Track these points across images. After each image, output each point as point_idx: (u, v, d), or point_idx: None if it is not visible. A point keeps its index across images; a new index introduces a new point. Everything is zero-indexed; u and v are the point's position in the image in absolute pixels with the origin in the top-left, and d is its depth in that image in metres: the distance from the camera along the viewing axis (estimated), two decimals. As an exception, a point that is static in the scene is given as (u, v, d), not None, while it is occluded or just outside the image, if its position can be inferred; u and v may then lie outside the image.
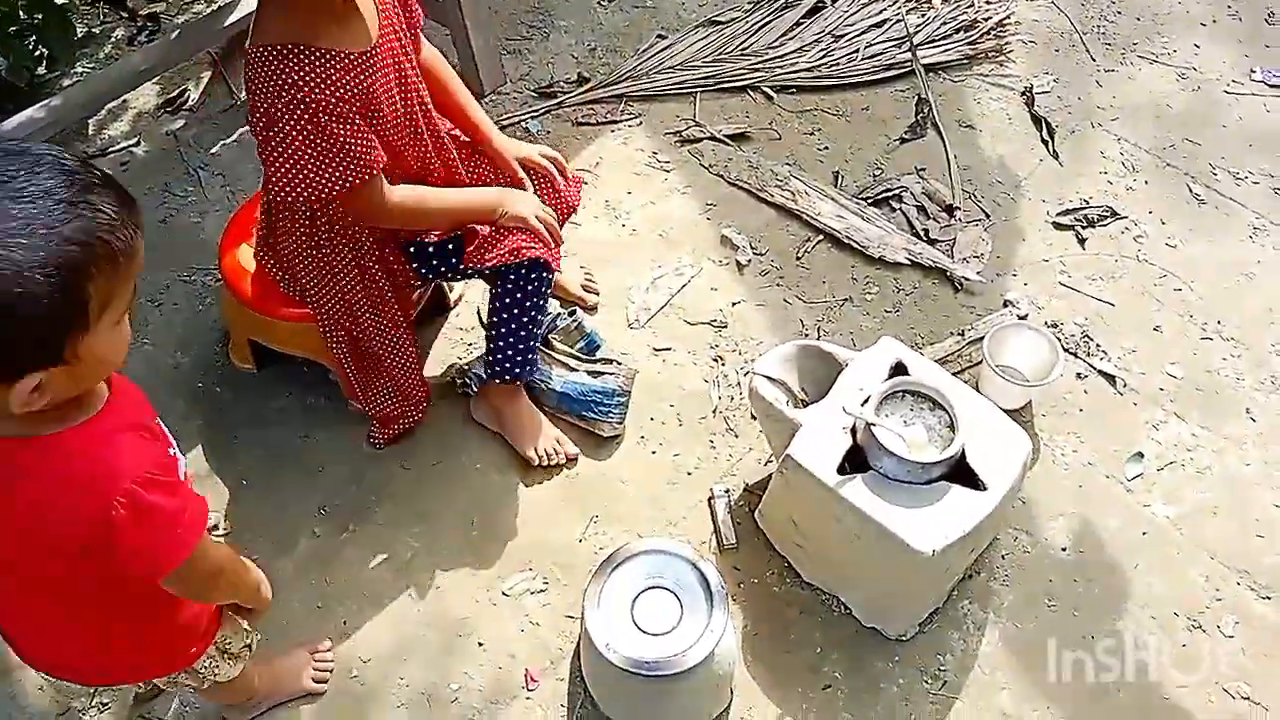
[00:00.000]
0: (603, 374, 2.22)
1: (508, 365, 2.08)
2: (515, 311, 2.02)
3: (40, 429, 1.12)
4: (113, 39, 3.07)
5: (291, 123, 1.63)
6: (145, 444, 1.20)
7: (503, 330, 2.05)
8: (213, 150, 2.79)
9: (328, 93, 1.63)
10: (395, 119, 1.79)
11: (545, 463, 2.17)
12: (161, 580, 1.26)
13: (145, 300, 2.48)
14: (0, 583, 1.32)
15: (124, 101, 2.90)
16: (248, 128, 1.67)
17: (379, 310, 2.00)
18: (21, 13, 2.62)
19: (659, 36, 2.98)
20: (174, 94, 2.91)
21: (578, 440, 2.21)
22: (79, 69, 2.93)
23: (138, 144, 2.82)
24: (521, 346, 2.07)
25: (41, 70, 2.81)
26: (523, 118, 2.78)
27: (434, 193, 1.91)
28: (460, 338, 2.38)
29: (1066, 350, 2.30)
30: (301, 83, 1.61)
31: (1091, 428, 2.22)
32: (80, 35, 2.87)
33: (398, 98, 1.79)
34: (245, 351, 2.22)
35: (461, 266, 2.00)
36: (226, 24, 2.67)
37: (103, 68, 2.89)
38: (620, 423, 2.22)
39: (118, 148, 2.80)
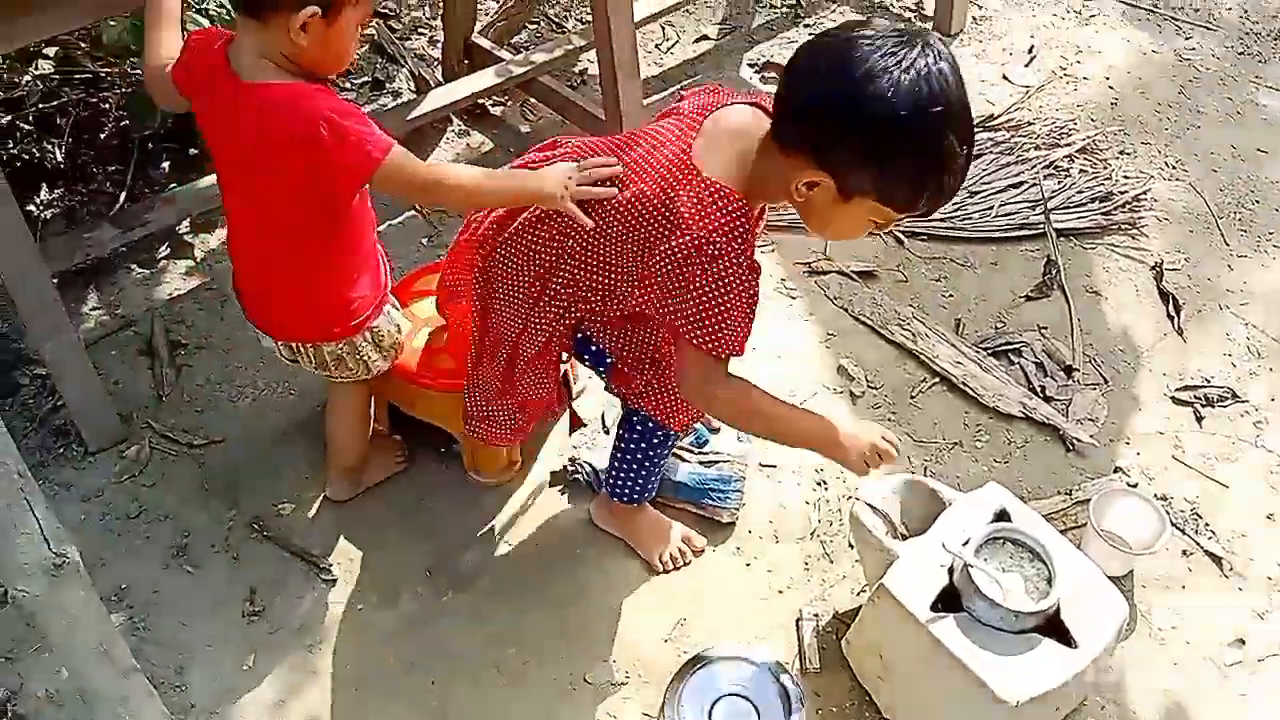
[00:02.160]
0: (716, 462, 2.30)
1: (629, 490, 2.15)
2: (643, 445, 2.07)
3: (276, 77, 1.66)
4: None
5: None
6: (338, 97, 1.70)
7: (627, 458, 2.10)
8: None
9: None
10: None
11: (673, 566, 2.21)
12: (369, 179, 1.71)
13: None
14: (242, 221, 1.91)
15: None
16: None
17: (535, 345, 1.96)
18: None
19: (800, 172, 3.13)
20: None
21: (692, 526, 2.27)
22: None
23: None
24: (644, 474, 2.12)
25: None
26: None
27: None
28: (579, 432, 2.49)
29: (1174, 525, 2.28)
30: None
31: (1193, 607, 2.19)
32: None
33: None
34: (383, 413, 2.37)
35: (605, 375, 2.03)
36: (410, 117, 2.91)
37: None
38: (738, 508, 2.28)
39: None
